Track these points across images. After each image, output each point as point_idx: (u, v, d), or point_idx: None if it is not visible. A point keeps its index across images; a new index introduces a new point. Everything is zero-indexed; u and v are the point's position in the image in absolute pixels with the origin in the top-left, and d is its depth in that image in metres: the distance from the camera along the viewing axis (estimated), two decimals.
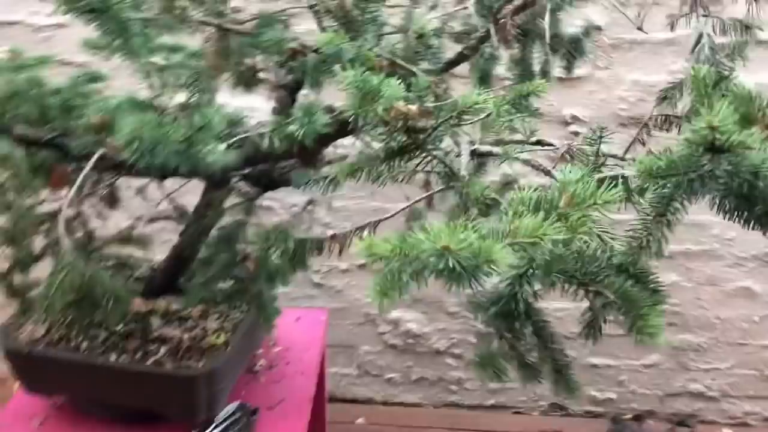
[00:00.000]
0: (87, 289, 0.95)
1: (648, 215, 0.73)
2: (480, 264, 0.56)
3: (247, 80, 1.12)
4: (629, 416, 2.31)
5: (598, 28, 1.89)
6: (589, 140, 0.85)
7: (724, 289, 2.13)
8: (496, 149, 0.88)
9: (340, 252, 0.96)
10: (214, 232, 1.22)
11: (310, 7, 1.01)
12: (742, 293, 2.13)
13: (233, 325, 1.36)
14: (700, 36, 0.90)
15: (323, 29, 1.00)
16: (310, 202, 1.86)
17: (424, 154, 0.83)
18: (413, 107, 0.79)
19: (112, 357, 1.27)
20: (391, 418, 2.30)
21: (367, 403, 2.36)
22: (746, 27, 0.98)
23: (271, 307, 1.23)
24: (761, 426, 2.30)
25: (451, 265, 0.56)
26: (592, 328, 0.78)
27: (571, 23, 1.28)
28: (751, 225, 0.71)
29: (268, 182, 1.19)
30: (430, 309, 2.23)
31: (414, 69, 0.94)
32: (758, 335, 2.18)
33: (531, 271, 0.65)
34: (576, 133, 1.98)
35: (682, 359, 2.24)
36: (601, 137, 0.84)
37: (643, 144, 0.97)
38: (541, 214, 0.61)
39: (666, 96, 1.02)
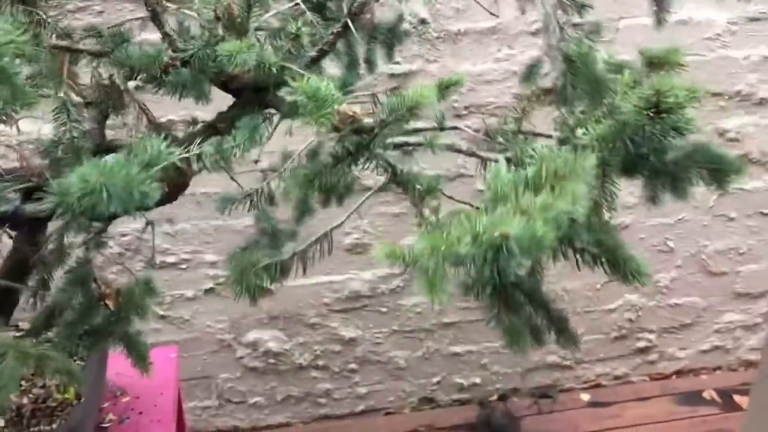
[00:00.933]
0: None
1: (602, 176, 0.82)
2: (532, 246, 0.59)
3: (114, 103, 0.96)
4: (495, 397, 2.36)
5: (424, 21, 1.88)
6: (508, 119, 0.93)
7: (566, 263, 2.22)
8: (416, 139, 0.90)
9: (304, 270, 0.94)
10: (61, 276, 1.05)
11: (153, 16, 0.87)
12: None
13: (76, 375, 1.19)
14: (548, 18, 0.90)
15: (168, 37, 0.88)
16: (148, 225, 1.69)
17: (368, 155, 0.84)
18: (357, 109, 0.78)
19: None
20: None
21: None
22: (581, 6, 0.99)
23: (141, 344, 1.10)
24: (612, 384, 2.44)
25: (506, 251, 0.58)
26: None
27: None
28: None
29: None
30: (289, 324, 2.13)
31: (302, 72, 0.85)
32: (601, 302, 2.30)
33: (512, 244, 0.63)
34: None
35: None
36: (522, 117, 0.94)
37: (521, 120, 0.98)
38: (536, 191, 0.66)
39: (531, 73, 1.10)
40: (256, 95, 0.92)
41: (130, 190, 0.62)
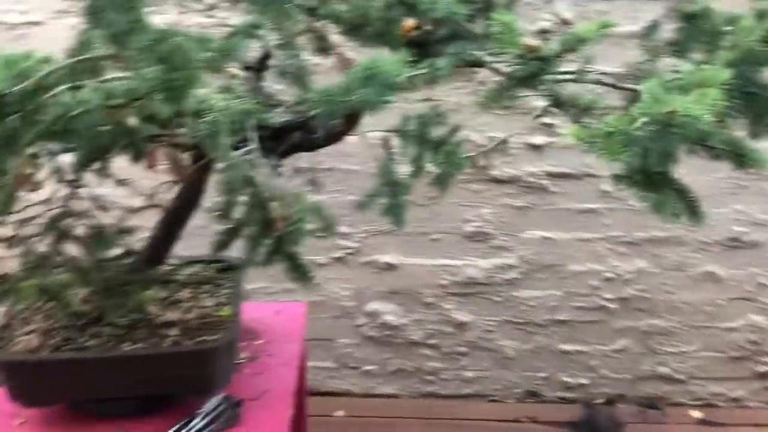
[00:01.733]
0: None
1: None
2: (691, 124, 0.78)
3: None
4: (601, 401, 2.38)
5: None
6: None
7: (689, 273, 2.21)
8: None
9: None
10: (244, 198, 1.25)
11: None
12: (706, 278, 2.21)
13: (227, 299, 1.45)
14: None
15: None
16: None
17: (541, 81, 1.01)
18: (538, 41, 0.98)
19: (126, 348, 1.29)
20: (370, 410, 2.34)
21: (345, 395, 2.39)
22: None
23: (303, 264, 1.29)
24: (727, 406, 2.38)
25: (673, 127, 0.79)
26: None
27: None
28: None
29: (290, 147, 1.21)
30: (407, 301, 2.27)
31: None
32: (722, 318, 2.26)
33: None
34: None
35: (650, 343, 2.31)
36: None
37: None
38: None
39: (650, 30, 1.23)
40: (420, 48, 1.09)
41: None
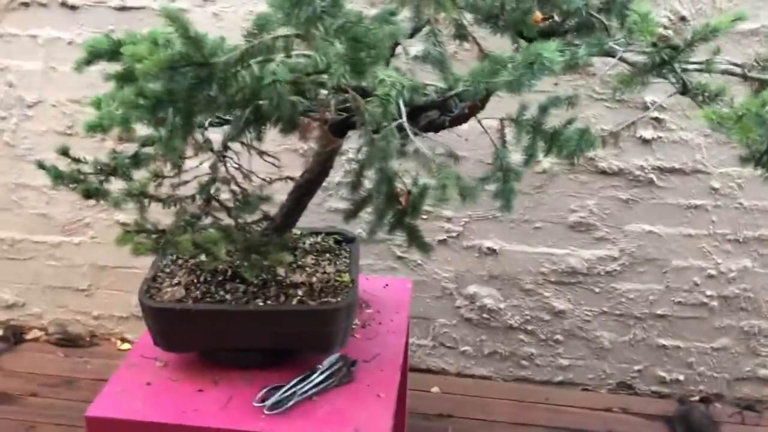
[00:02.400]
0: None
1: None
2: None
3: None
4: (696, 398, 2.37)
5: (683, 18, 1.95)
6: None
7: None
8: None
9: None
10: (371, 172, 1.37)
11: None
12: None
13: (346, 267, 1.59)
14: None
15: None
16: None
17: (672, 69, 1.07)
18: (669, 32, 1.02)
19: (260, 303, 1.43)
20: (464, 389, 2.43)
21: (441, 373, 2.49)
22: None
23: (422, 236, 1.43)
24: None
25: None
26: None
27: None
28: None
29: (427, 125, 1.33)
30: (506, 286, 2.33)
31: None
32: None
33: None
34: None
35: (752, 344, 2.29)
36: None
37: None
38: None
39: None
40: (548, 37, 1.19)
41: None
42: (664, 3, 1.93)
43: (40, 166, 1.45)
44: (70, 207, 2.41)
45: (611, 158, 2.13)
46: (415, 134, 1.16)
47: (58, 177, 1.46)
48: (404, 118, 0.94)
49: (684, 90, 1.07)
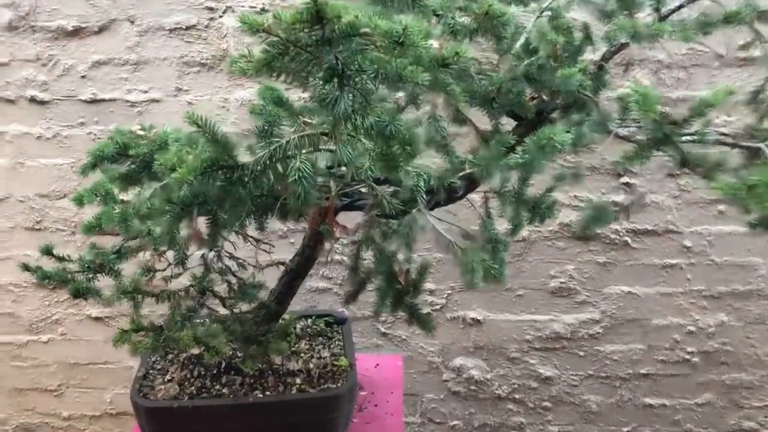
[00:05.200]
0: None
1: None
2: None
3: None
4: None
5: None
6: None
7: None
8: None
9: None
10: (370, 253, 1.37)
11: None
12: None
13: (341, 350, 1.57)
14: None
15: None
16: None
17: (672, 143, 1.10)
18: (667, 108, 1.09)
19: (259, 395, 1.39)
20: None
21: None
22: None
23: (424, 314, 1.43)
24: None
25: None
26: None
27: None
28: None
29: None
30: (492, 356, 2.33)
31: None
32: None
33: None
34: None
35: (735, 397, 2.32)
36: None
37: None
38: None
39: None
40: (538, 116, 1.21)
41: None
42: (625, 75, 2.02)
43: (26, 268, 1.41)
44: (39, 304, 2.32)
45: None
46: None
47: (45, 278, 1.42)
48: (423, 204, 0.95)
49: (683, 162, 1.12)
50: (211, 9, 1.99)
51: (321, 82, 0.77)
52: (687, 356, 2.29)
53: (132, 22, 2.00)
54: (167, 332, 1.34)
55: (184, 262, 1.27)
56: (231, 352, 1.51)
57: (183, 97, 2.07)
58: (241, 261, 1.50)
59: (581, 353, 2.31)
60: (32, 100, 2.09)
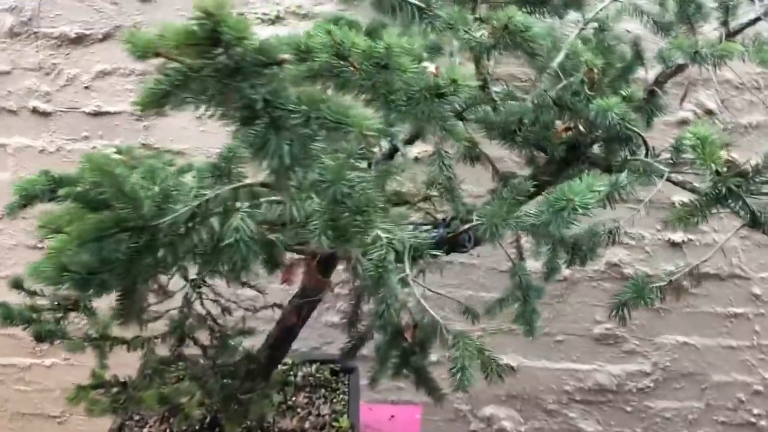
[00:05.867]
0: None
1: None
2: None
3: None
4: None
5: (710, 112, 1.79)
6: None
7: None
8: None
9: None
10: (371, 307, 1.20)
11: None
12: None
13: (344, 406, 1.40)
14: None
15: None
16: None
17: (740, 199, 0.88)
18: (734, 155, 0.85)
19: None
20: None
21: None
22: None
23: (430, 377, 1.27)
24: None
25: None
26: None
27: None
28: None
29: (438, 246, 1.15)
30: (526, 406, 2.09)
31: None
32: None
33: None
34: None
35: None
36: None
37: None
38: None
39: None
40: (572, 152, 0.99)
41: None
42: (688, 96, 1.76)
43: None
44: None
45: (637, 263, 1.92)
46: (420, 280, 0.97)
47: (6, 318, 1.27)
48: (408, 271, 0.74)
49: (754, 223, 0.88)
50: None
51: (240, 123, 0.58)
52: (753, 419, 2.01)
53: (138, 30, 1.85)
54: (130, 390, 1.16)
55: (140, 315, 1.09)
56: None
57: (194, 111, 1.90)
58: (225, 303, 1.31)
59: (628, 408, 2.05)
60: (34, 111, 1.95)
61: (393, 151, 1.37)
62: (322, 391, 1.50)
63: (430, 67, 0.77)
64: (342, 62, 0.72)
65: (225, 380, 1.28)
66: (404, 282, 0.77)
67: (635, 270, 1.94)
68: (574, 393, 2.06)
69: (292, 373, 1.56)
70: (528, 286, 1.52)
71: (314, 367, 1.58)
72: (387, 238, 0.65)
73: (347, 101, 0.62)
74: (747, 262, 1.89)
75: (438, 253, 0.87)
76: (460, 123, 0.77)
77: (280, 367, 1.49)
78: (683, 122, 1.80)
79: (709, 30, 1.21)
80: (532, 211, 0.80)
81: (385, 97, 0.75)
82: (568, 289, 1.98)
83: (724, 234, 1.87)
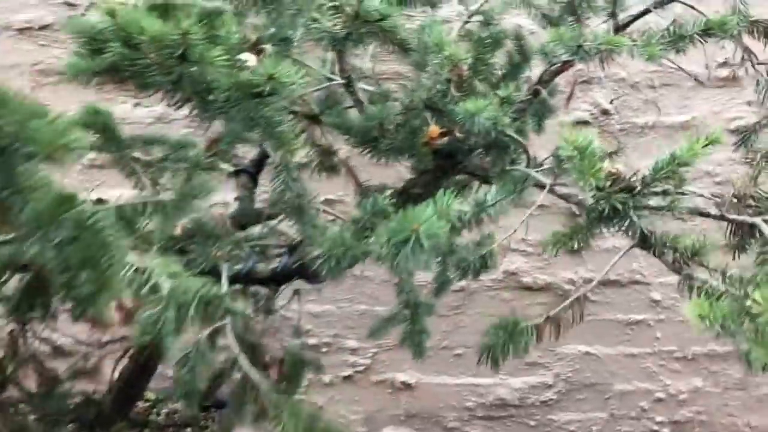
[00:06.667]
0: None
1: None
2: None
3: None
4: None
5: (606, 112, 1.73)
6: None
7: (754, 394, 1.95)
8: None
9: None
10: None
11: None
12: None
13: None
14: None
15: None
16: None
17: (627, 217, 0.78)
18: (619, 166, 0.76)
19: None
20: None
21: None
22: None
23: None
24: None
25: None
26: None
27: None
28: None
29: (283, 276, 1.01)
30: (426, 425, 2.00)
31: None
32: None
33: None
34: None
35: None
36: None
37: None
38: None
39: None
40: (448, 161, 0.88)
41: None
42: (583, 95, 1.69)
43: None
44: None
45: (536, 272, 1.86)
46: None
47: None
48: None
49: (644, 243, 0.77)
50: (70, 5, 1.62)
51: None
52: (655, 426, 1.99)
53: None
54: None
55: None
56: None
57: None
58: (57, 344, 1.12)
59: (532, 423, 1.99)
60: None
61: (263, 157, 1.24)
62: (188, 430, 1.34)
63: (250, 59, 0.62)
64: (133, 52, 0.56)
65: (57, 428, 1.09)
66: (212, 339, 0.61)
67: (534, 279, 1.87)
68: (476, 409, 1.99)
69: (154, 411, 1.39)
70: (416, 303, 1.44)
71: (180, 403, 1.41)
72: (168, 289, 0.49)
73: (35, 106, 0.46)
74: (647, 267, 1.85)
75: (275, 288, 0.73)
76: (292, 126, 0.63)
77: (140, 404, 1.33)
78: (584, 123, 1.75)
79: (598, 24, 1.12)
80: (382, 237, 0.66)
81: (200, 97, 0.60)
82: (466, 300, 1.91)
83: (624, 239, 1.82)
